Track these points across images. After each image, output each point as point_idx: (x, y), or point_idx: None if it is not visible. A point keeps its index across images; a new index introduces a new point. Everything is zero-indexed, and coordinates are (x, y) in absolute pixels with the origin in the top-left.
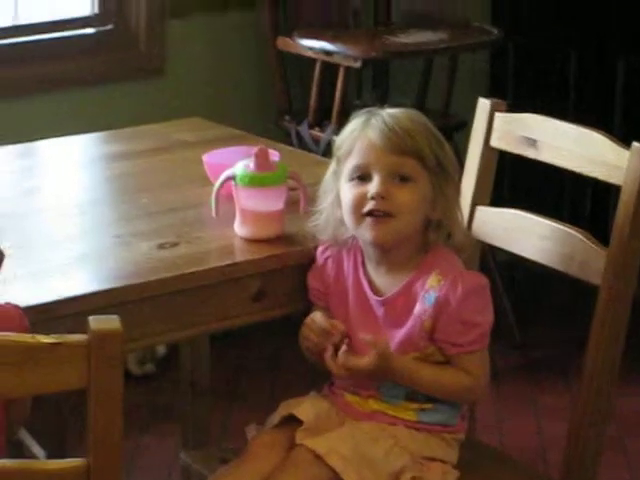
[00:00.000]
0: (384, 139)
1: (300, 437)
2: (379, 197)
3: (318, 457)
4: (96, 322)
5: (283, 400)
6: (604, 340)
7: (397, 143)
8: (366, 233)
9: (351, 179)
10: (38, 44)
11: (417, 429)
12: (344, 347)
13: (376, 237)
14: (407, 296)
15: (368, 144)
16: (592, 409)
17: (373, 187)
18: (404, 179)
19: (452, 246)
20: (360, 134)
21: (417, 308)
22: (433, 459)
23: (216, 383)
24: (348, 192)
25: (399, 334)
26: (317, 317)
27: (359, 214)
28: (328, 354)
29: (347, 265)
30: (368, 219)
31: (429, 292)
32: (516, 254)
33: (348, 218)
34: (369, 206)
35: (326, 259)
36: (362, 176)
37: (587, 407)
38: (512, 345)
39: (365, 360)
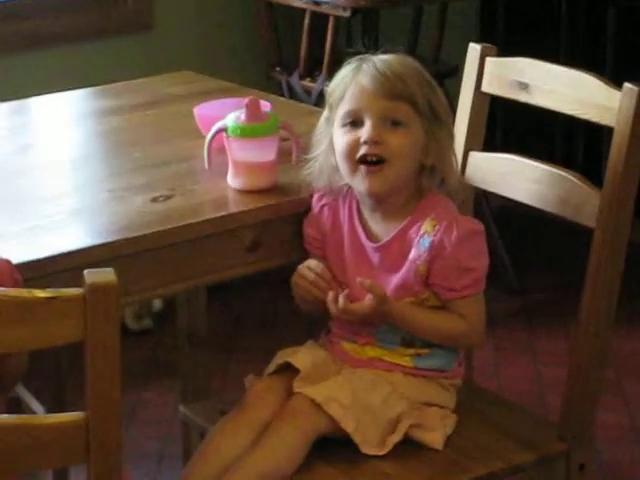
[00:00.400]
0: (376, 84)
1: (298, 385)
2: (372, 142)
3: (316, 405)
4: (91, 275)
5: (279, 351)
6: (600, 282)
7: (389, 87)
8: (360, 184)
9: (344, 125)
10: (27, 1)
11: (414, 375)
12: (346, 291)
13: (370, 188)
14: (402, 241)
15: (360, 89)
16: (590, 352)
17: (365, 132)
18: (396, 124)
19: (446, 192)
20: (352, 80)
21: (412, 253)
22: (431, 404)
23: (214, 336)
24: (341, 138)
25: (394, 279)
26: (311, 264)
27: (353, 160)
28: (330, 297)
29: (343, 212)
30: (362, 168)
31: (424, 237)
32: (510, 199)
33: (342, 165)
34: (362, 151)
35: (322, 207)
36: (354, 122)
37: (585, 350)
38: (509, 291)
39: (363, 304)
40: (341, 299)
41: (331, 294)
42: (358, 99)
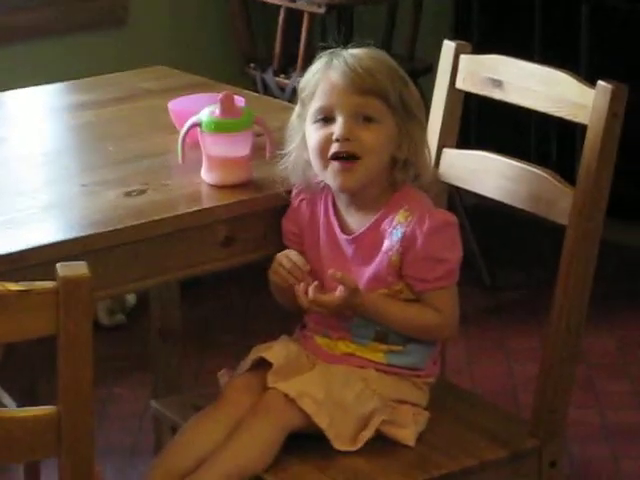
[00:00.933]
0: (346, 79)
1: (271, 380)
2: (343, 139)
3: (290, 400)
4: (64, 269)
5: (254, 346)
6: (572, 280)
7: (359, 83)
8: (332, 180)
9: (315, 121)
10: None
11: (386, 372)
12: (315, 282)
13: (342, 184)
14: (375, 233)
15: (330, 85)
16: (561, 349)
17: (337, 129)
18: (368, 119)
19: (419, 185)
20: (322, 75)
21: (385, 244)
22: (403, 401)
23: (187, 331)
24: (313, 134)
25: (368, 271)
26: (290, 253)
27: (325, 157)
28: (299, 288)
29: (319, 206)
30: (334, 164)
31: (397, 228)
32: (483, 196)
33: (314, 161)
34: (333, 148)
35: (300, 201)
36: (326, 118)
37: (556, 347)
38: (481, 288)
39: (333, 296)
40: (311, 290)
41: (301, 286)
42: (329, 95)
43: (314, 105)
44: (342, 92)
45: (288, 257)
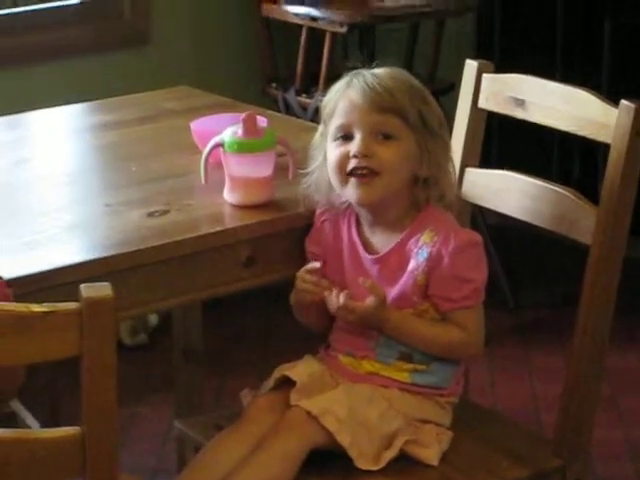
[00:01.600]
0: (365, 97)
1: (294, 398)
2: (361, 155)
3: (312, 418)
4: (87, 290)
5: (276, 366)
6: (596, 299)
7: (378, 101)
8: (351, 194)
9: (335, 139)
10: (23, 15)
11: (410, 392)
12: (346, 291)
13: (360, 197)
14: (400, 253)
15: (350, 104)
16: (585, 368)
17: (355, 145)
18: (386, 137)
19: (443, 205)
20: (342, 94)
21: (410, 264)
22: (427, 421)
23: (209, 351)
24: (332, 152)
25: (393, 291)
26: (310, 267)
27: (343, 173)
28: (329, 294)
29: (343, 227)
30: (352, 179)
31: (422, 248)
32: (506, 215)
33: (334, 179)
34: (351, 164)
35: (323, 222)
36: (345, 136)
37: (580, 366)
38: (505, 308)
39: (364, 304)
40: (342, 296)
41: (334, 291)
42: (348, 113)
43: (334, 123)
44: (361, 110)
45: (310, 271)
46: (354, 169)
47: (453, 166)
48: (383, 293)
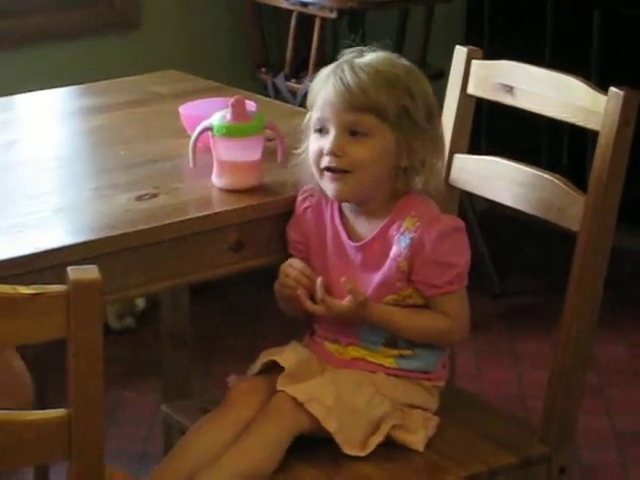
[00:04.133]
0: (338, 96)
1: (281, 383)
2: (333, 154)
3: (299, 404)
4: (75, 272)
5: (263, 351)
6: (583, 286)
7: (350, 101)
8: (327, 188)
9: (315, 130)
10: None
11: (397, 376)
12: (320, 279)
13: (335, 193)
14: (383, 240)
15: (326, 99)
16: (572, 355)
17: (327, 143)
18: (360, 134)
19: (427, 192)
20: (321, 87)
21: (393, 250)
22: (414, 406)
23: (197, 335)
24: (312, 144)
25: (376, 277)
26: (293, 262)
27: (318, 168)
28: (302, 292)
29: (326, 213)
30: (327, 174)
31: (404, 234)
32: (494, 201)
33: (313, 170)
34: (324, 162)
35: (305, 209)
36: (322, 129)
37: (567, 353)
38: (491, 294)
39: (341, 304)
40: (318, 288)
41: (303, 290)
42: (324, 109)
43: (314, 114)
44: (335, 108)
45: (292, 266)
46: (326, 167)
47: (443, 155)
48: (363, 295)
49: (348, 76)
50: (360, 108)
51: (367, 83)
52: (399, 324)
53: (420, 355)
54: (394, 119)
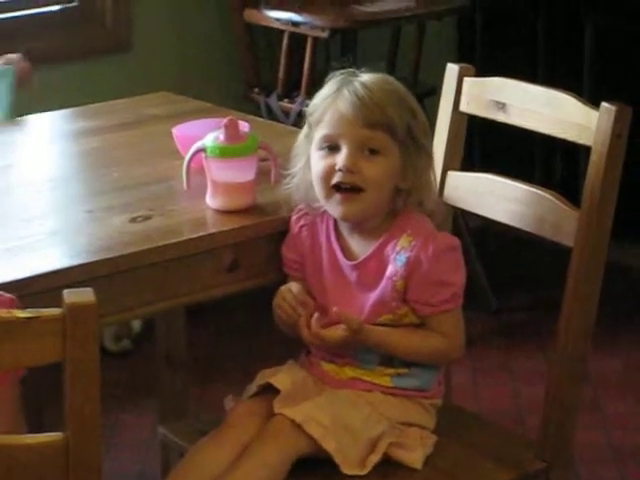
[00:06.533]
0: (354, 111)
1: (278, 406)
2: (347, 170)
3: (297, 426)
4: (70, 295)
5: (260, 371)
6: (578, 302)
7: (367, 116)
8: (334, 209)
9: (321, 148)
10: (5, 22)
11: (393, 395)
12: (316, 315)
13: (343, 214)
14: (379, 259)
15: (339, 115)
16: (567, 371)
17: (341, 159)
18: (373, 152)
19: (423, 211)
20: (332, 103)
21: (389, 269)
22: (411, 424)
23: (193, 357)
24: (317, 162)
25: (372, 296)
26: (292, 287)
27: (328, 186)
28: (301, 322)
29: (321, 232)
30: (337, 195)
31: (400, 253)
32: (488, 218)
33: (318, 189)
34: (336, 178)
35: (301, 227)
36: (331, 146)
37: (562, 369)
38: (486, 311)
39: (335, 333)
40: (313, 322)
41: (302, 319)
42: (336, 125)
43: (320, 131)
44: (349, 123)
45: (291, 292)
46: (338, 183)
47: (434, 174)
48: (357, 322)
49: (362, 91)
50: (375, 124)
51: (382, 99)
52: (395, 345)
53: (416, 373)
54: (402, 137)
